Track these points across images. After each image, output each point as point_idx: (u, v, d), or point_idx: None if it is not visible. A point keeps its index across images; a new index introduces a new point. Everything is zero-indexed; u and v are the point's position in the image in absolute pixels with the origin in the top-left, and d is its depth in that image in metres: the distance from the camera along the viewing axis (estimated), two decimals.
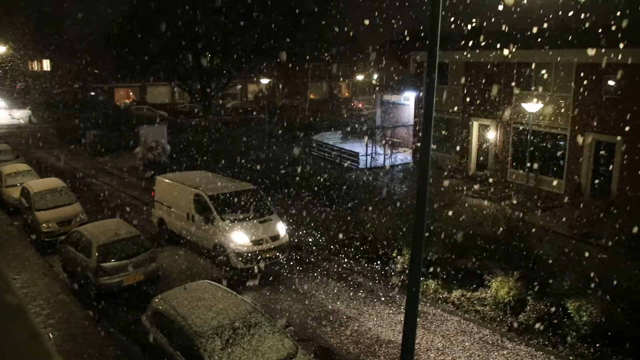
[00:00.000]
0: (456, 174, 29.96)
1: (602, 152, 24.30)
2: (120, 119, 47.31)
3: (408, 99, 37.25)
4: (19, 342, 0.86)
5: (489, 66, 28.73)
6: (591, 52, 22.80)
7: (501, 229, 17.71)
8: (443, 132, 32.48)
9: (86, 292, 15.86)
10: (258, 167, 28.44)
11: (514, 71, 27.68)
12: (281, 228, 18.33)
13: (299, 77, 60.63)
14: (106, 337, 13.58)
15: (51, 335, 13.23)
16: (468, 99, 30.61)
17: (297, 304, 15.52)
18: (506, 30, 30.58)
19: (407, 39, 46.13)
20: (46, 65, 74.32)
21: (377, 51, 60.90)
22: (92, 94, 62.37)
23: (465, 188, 26.65)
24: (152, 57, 40.36)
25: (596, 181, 24.39)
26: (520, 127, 27.51)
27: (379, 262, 18.03)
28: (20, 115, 61.16)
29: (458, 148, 31.55)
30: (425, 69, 7.28)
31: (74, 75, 66.38)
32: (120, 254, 15.62)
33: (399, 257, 17.37)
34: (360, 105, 60.54)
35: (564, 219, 21.68)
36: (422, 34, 42.38)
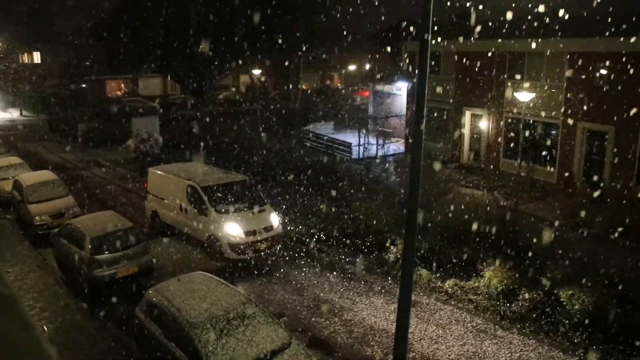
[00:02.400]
0: (449, 163, 30.01)
1: (594, 141, 24.38)
2: (112, 111, 47.09)
3: (400, 89, 37.22)
4: (11, 331, 0.87)
5: (481, 55, 28.72)
6: (582, 41, 22.87)
7: (494, 218, 17.79)
8: (435, 122, 32.50)
9: (80, 284, 15.85)
10: (250, 158, 28.39)
11: (506, 60, 27.69)
12: (274, 219, 18.34)
13: (290, 67, 60.43)
14: (100, 329, 13.59)
15: (45, 328, 13.23)
16: (460, 89, 30.64)
17: (291, 294, 15.56)
18: (498, 19, 30.54)
19: (400, 27, 46.04)
20: (37, 57, 73.82)
21: (370, 41, 60.81)
22: (83, 86, 61.98)
23: (458, 178, 26.71)
24: (144, 49, 40.08)
25: (588, 170, 24.48)
26: (513, 117, 27.56)
27: (372, 252, 18.06)
28: (11, 109, 60.83)
29: (451, 138, 31.59)
30: (417, 60, 7.27)
31: (65, 67, 66.01)
32: (113, 246, 15.60)
33: (392, 247, 17.42)
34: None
35: (556, 208, 21.79)
36: (412, 24, 42.29)
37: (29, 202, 20.52)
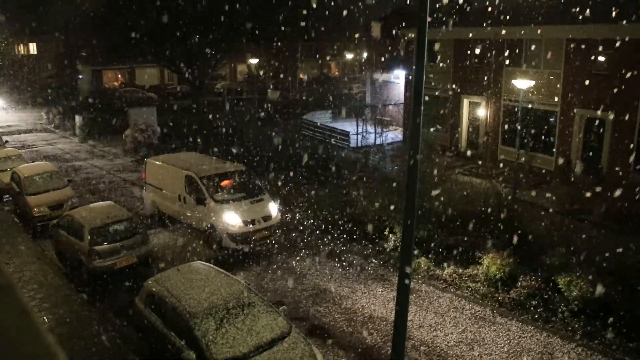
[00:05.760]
0: (447, 151, 30.01)
1: (592, 129, 24.37)
2: (110, 101, 47.02)
3: (398, 77, 37.17)
4: (8, 319, 0.87)
5: (478, 43, 28.64)
6: (580, 27, 22.77)
7: (492, 206, 17.81)
8: (433, 110, 32.46)
9: (79, 275, 15.88)
10: (248, 147, 28.35)
11: (504, 48, 27.61)
12: (273, 208, 18.35)
13: (288, 56, 60.27)
14: (100, 320, 13.63)
15: (46, 319, 13.26)
16: (458, 77, 30.57)
17: (290, 283, 15.59)
18: (496, 6, 30.45)
19: (397, 15, 45.89)
20: (32, 48, 73.47)
21: (368, 29, 60.51)
22: (80, 77, 61.76)
23: (456, 165, 26.73)
24: (140, 39, 39.93)
25: (586, 157, 24.49)
26: (511, 104, 27.53)
27: (371, 240, 18.10)
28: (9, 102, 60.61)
29: (449, 126, 31.56)
30: (415, 48, 7.25)
31: (61, 58, 65.68)
32: (112, 237, 15.61)
33: (390, 235, 17.45)
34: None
35: (554, 196, 21.81)
36: (410, 11, 42.09)
37: (27, 194, 20.50)
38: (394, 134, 35.02)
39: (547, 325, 12.94)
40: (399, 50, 36.61)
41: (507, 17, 26.99)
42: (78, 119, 40.53)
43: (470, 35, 28.79)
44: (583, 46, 23.66)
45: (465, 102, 30.49)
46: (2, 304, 0.86)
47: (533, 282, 13.99)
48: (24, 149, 34.22)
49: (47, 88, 56.52)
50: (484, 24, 27.19)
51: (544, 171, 25.45)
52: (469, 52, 29.48)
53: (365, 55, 67.05)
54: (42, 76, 66.70)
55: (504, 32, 26.83)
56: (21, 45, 75.49)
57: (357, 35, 60.09)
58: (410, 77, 33.13)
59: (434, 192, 18.06)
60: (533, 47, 26.24)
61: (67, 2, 60.46)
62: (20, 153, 26.85)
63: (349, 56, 69.98)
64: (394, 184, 19.72)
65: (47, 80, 64.14)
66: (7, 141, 34.12)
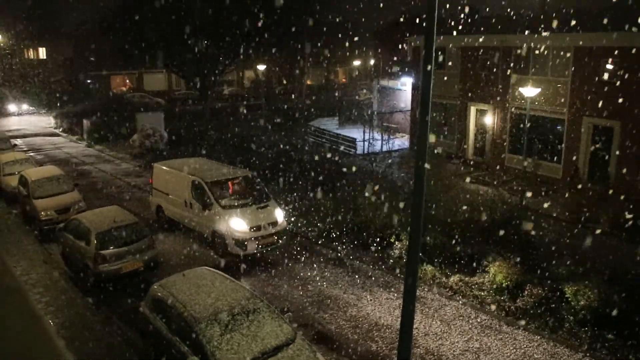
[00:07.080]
0: (454, 159, 29.97)
1: (600, 137, 24.27)
2: (117, 106, 47.23)
3: (405, 85, 37.16)
4: (20, 323, 0.87)
5: (486, 51, 28.62)
6: (588, 35, 22.74)
7: (499, 213, 17.75)
8: (440, 117, 32.45)
9: (85, 279, 15.90)
10: (254, 153, 28.37)
11: (512, 55, 27.58)
12: (279, 214, 18.34)
13: (295, 63, 60.37)
14: (105, 324, 13.63)
15: (51, 322, 13.27)
16: (465, 84, 30.54)
17: (296, 289, 15.57)
18: (504, 14, 30.44)
19: (405, 23, 45.92)
20: (42, 53, 73.90)
21: (375, 36, 60.58)
22: (89, 81, 62.09)
23: (462, 173, 26.66)
24: (148, 44, 40.17)
25: (594, 165, 24.38)
26: (518, 112, 27.46)
27: (377, 247, 18.05)
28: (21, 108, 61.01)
29: (456, 133, 31.52)
30: (422, 55, 7.25)
31: (70, 63, 66.06)
32: (118, 241, 15.65)
33: (397, 242, 17.41)
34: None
35: (561, 204, 21.73)
36: (417, 19, 42.13)
37: (34, 198, 20.59)
38: (401, 141, 34.99)
39: (553, 335, 12.86)
40: (406, 57, 36.60)
41: (515, 25, 26.96)
42: (86, 123, 40.73)
43: (478, 42, 28.77)
44: (591, 54, 23.59)
45: (473, 110, 30.45)
46: (12, 307, 0.86)
47: (540, 291, 13.91)
48: (32, 152, 34.41)
49: (56, 92, 56.81)
50: (492, 32, 27.18)
51: (551, 179, 25.36)
52: (476, 59, 29.45)
53: (372, 62, 67.09)
54: (51, 81, 67.06)
55: (511, 39, 26.80)
56: (31, 50, 75.94)
57: (364, 42, 60.20)
58: (417, 84, 33.14)
59: (441, 200, 18.04)
60: (541, 55, 26.18)
61: (77, 8, 60.83)
62: (28, 156, 26.97)
63: (356, 63, 70.06)
64: (401, 191, 19.71)
65: (56, 84, 64.48)
66: (15, 144, 34.33)
